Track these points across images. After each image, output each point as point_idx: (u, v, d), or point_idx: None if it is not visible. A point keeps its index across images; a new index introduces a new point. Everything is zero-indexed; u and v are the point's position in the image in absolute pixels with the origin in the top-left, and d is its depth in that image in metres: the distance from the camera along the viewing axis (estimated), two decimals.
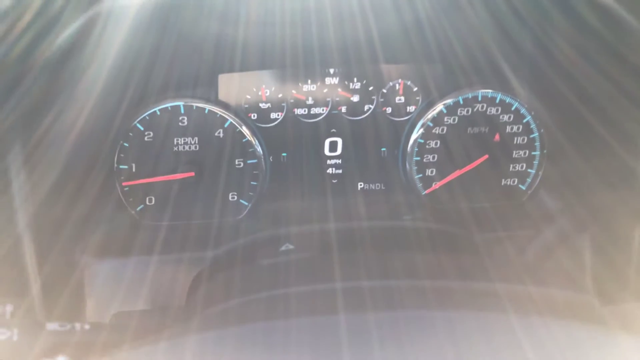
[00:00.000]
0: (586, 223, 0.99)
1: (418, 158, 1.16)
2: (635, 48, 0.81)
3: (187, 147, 1.10)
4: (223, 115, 1.10)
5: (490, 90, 1.13)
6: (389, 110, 1.16)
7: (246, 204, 1.14)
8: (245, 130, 1.11)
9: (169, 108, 1.08)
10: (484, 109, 1.14)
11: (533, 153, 1.17)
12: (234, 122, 1.10)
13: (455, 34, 1.02)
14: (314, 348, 0.56)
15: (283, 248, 0.85)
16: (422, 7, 0.96)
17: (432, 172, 1.17)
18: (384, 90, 1.14)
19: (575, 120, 1.02)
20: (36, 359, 0.50)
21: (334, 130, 1.16)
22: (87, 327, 0.64)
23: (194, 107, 1.09)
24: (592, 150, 1.01)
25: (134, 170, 1.10)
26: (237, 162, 1.12)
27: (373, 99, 1.15)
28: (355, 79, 1.13)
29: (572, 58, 0.95)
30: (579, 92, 0.98)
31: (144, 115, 1.08)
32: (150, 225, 1.11)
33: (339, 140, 1.16)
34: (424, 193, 1.17)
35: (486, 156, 1.14)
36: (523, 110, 1.14)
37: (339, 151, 1.17)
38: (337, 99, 1.14)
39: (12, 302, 0.67)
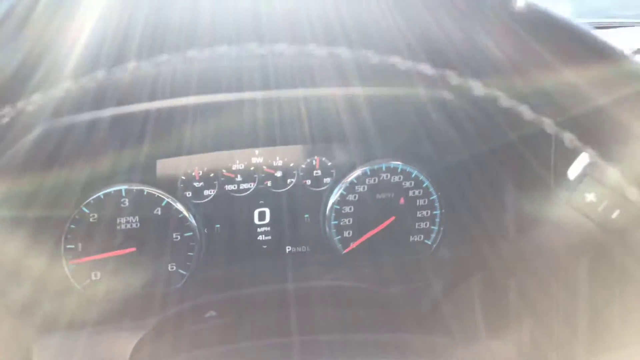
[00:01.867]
0: (472, 272, 1.17)
1: (336, 222, 1.33)
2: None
3: (128, 225, 1.23)
4: (160, 195, 1.24)
5: (392, 162, 1.33)
6: (308, 182, 1.33)
7: (184, 273, 1.27)
8: (180, 207, 1.26)
9: (112, 192, 1.22)
10: (389, 177, 1.34)
11: (434, 212, 1.36)
12: (170, 201, 1.25)
13: (360, 118, 1.22)
14: None
15: (207, 315, 0.98)
16: (329, 99, 1.16)
17: (349, 233, 1.34)
18: (303, 166, 1.32)
19: (467, 184, 1.23)
20: None
21: (262, 201, 1.32)
22: None
23: (134, 190, 1.23)
24: (477, 210, 1.21)
25: (80, 249, 1.21)
26: (174, 236, 1.26)
27: (294, 174, 1.33)
28: (277, 158, 1.31)
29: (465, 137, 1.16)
30: (469, 161, 1.18)
31: (88, 200, 1.21)
32: (95, 298, 1.22)
33: (267, 210, 1.33)
34: (343, 253, 1.34)
35: (393, 217, 1.33)
36: (422, 177, 1.35)
37: (267, 220, 1.33)
38: (263, 175, 1.31)
39: None
